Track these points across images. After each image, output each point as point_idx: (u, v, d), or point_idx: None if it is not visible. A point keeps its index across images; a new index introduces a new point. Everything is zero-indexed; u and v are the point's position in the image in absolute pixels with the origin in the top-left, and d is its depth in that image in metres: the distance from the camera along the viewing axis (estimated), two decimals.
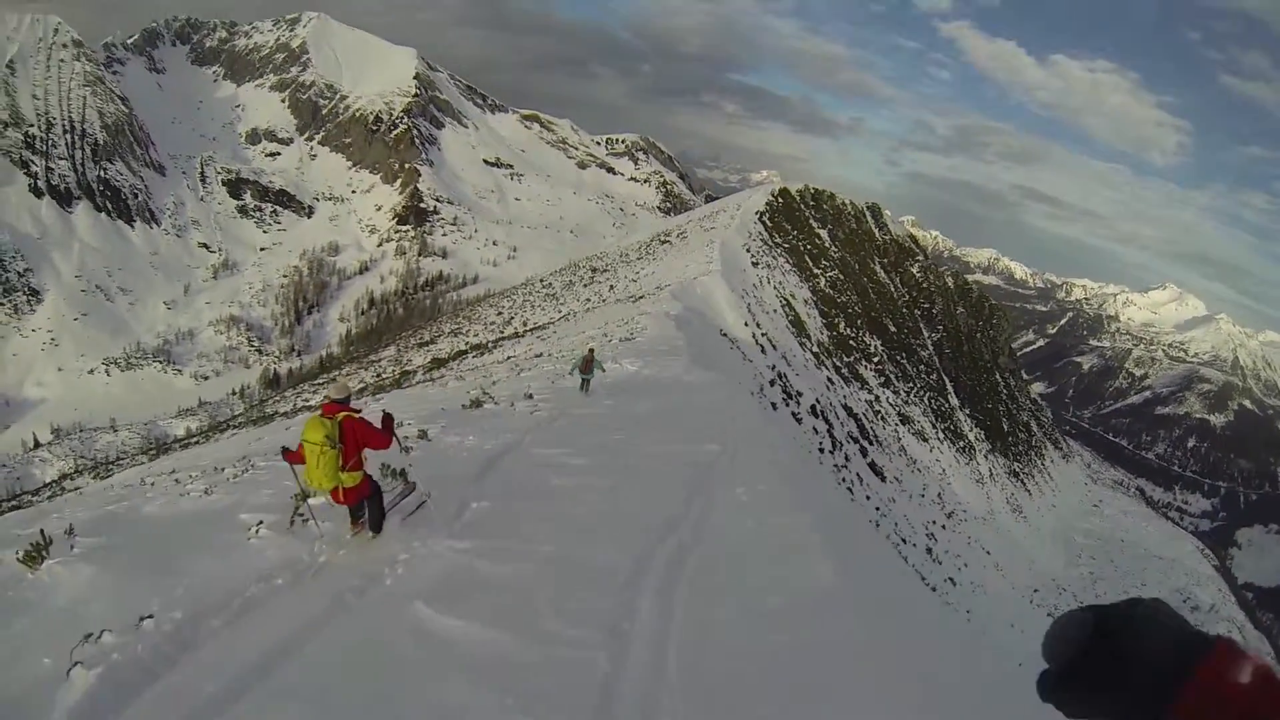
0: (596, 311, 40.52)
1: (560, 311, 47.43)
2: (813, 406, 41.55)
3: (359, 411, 6.55)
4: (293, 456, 6.64)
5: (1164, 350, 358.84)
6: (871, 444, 52.77)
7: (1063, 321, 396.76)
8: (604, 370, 18.55)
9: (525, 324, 46.73)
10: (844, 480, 39.36)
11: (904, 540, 44.25)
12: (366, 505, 6.82)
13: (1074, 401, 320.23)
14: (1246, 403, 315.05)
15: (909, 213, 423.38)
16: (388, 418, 6.93)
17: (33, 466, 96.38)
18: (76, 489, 29.16)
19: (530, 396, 15.88)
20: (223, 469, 12.09)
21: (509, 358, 30.07)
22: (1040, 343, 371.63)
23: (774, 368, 39.29)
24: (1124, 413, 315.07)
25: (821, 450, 38.95)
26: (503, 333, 45.82)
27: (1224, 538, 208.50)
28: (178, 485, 10.84)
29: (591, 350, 17.87)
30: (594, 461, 9.98)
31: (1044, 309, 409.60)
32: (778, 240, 61.33)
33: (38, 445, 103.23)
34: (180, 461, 21.94)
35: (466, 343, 45.65)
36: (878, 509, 44.21)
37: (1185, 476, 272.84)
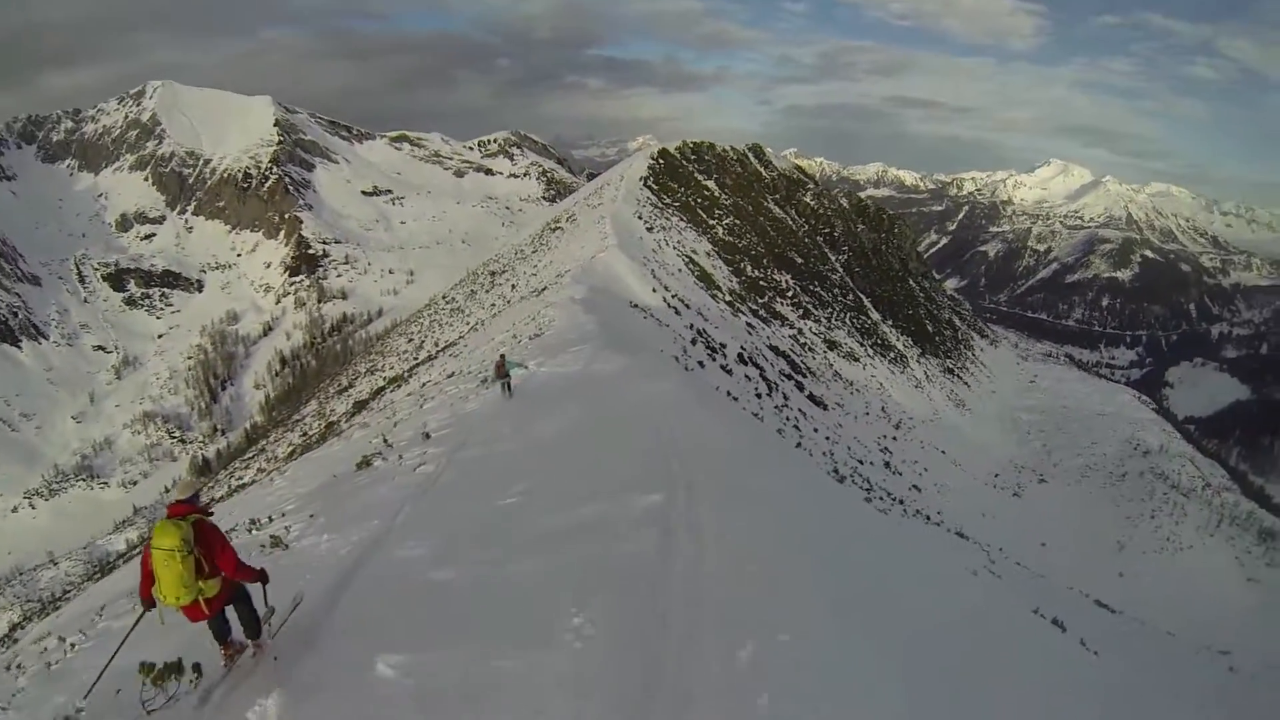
0: (503, 314, 39.94)
1: (468, 323, 46.60)
2: (739, 354, 41.94)
3: (210, 513, 5.91)
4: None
5: (1061, 222, 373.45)
6: (805, 377, 53.69)
7: (960, 216, 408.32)
8: (526, 368, 19.96)
9: (436, 345, 45.78)
10: (788, 420, 39.86)
11: (861, 461, 45.19)
12: (235, 612, 6.03)
13: (988, 289, 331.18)
14: (1147, 253, 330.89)
15: (791, 145, 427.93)
16: (255, 574, 6.08)
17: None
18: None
19: (427, 436, 14.59)
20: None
21: (423, 384, 29.29)
22: (944, 241, 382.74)
23: (692, 326, 39.47)
24: (1037, 288, 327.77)
25: (758, 395, 39.37)
26: (416, 359, 44.81)
27: (1156, 382, 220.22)
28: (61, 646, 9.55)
29: (502, 356, 18.88)
30: (468, 573, 7.19)
31: (940, 208, 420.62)
32: (667, 201, 61.43)
33: None
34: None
35: (383, 378, 44.51)
36: (828, 438, 45.00)
37: (1107, 334, 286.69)
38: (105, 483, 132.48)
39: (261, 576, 6.08)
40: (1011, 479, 68.19)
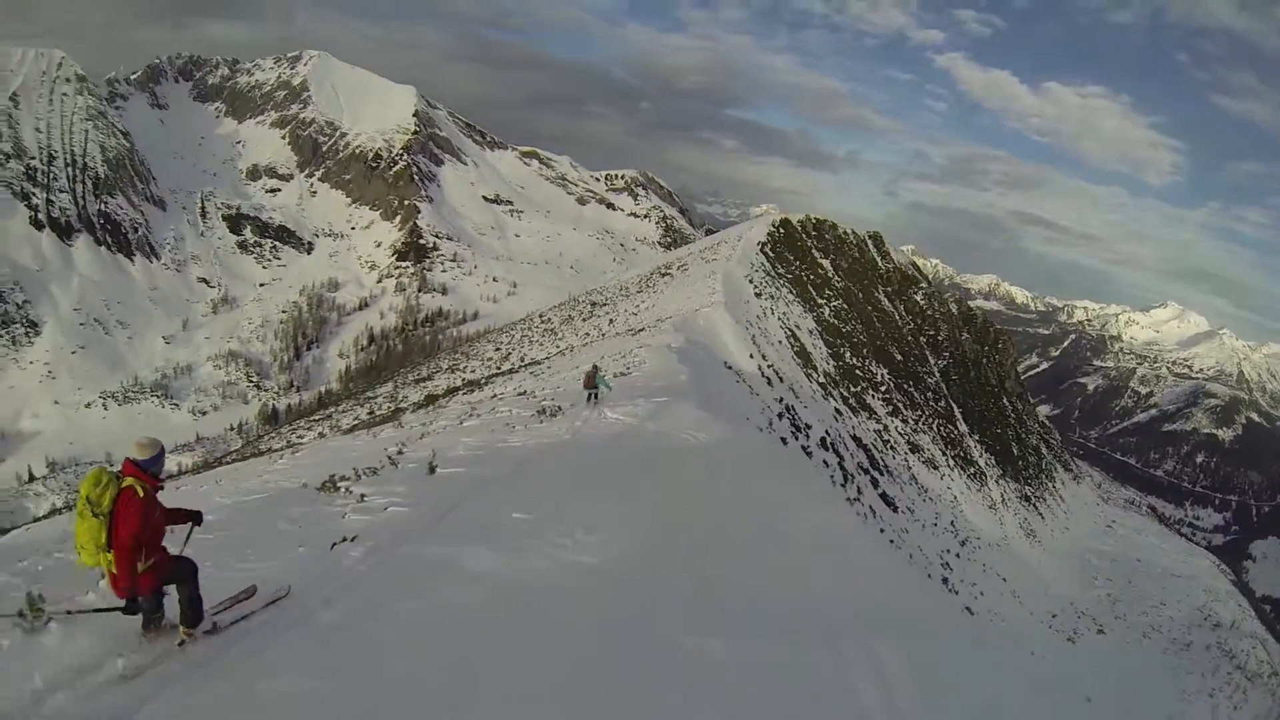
0: (594, 345, 39.37)
1: (557, 347, 46.26)
2: (822, 439, 40.25)
3: (161, 484, 5.18)
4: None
5: (1168, 367, 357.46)
6: (882, 474, 51.35)
7: (1065, 344, 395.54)
8: (609, 388, 20.50)
9: (522, 359, 45.55)
10: (860, 513, 38.01)
11: (925, 576, 42.74)
12: (164, 597, 5.28)
13: (1080, 422, 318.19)
14: (1253, 415, 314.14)
15: (909, 242, 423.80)
16: (186, 516, 5.56)
17: (26, 500, 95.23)
18: None
19: (433, 470, 11.20)
20: None
21: (491, 395, 28.69)
22: (1044, 365, 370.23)
23: (781, 400, 38.04)
24: (1131, 431, 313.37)
25: (834, 483, 37.62)
26: (499, 368, 44.66)
27: (1238, 552, 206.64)
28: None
29: (595, 367, 20.40)
30: None
31: (1046, 332, 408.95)
32: (780, 271, 60.34)
33: (32, 479, 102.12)
34: None
35: (462, 379, 44.46)
36: (891, 541, 42.79)
37: (1195, 492, 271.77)
38: (177, 404, 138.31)
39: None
40: (1070, 623, 63.76)
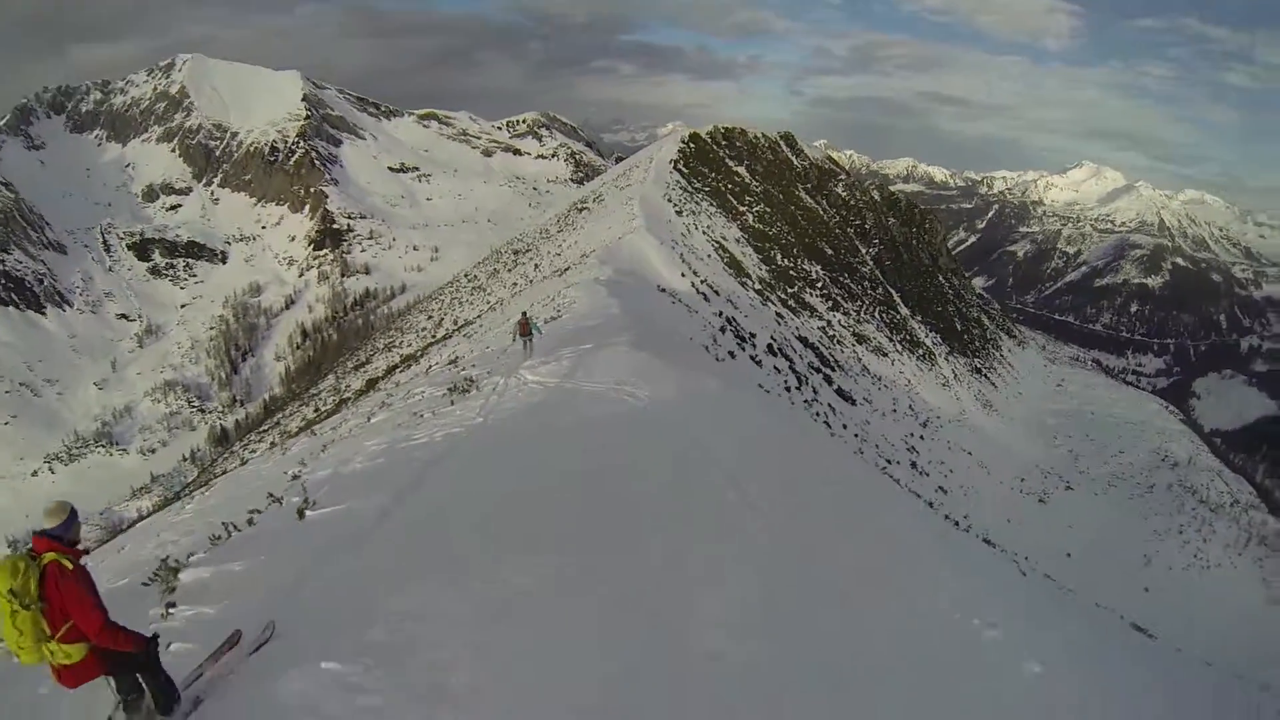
0: (523, 293, 38.65)
1: (488, 303, 45.38)
2: (769, 345, 40.49)
3: (83, 552, 4.50)
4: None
5: (1091, 225, 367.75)
6: (834, 370, 52.12)
7: (990, 215, 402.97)
8: (540, 332, 20.47)
9: (455, 323, 44.65)
10: (819, 415, 38.42)
11: (889, 461, 43.70)
12: (122, 682, 4.61)
13: (1015, 289, 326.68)
14: (1179, 260, 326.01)
15: (821, 137, 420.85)
16: (132, 641, 4.48)
17: None
18: None
19: (303, 515, 8.91)
20: None
21: (427, 370, 27.76)
22: (972, 239, 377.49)
23: (720, 314, 38.06)
24: (1065, 291, 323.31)
25: (788, 388, 37.96)
26: (434, 336, 43.73)
27: (1183, 392, 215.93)
28: None
29: (524, 314, 20.08)
30: None
31: (969, 206, 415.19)
32: (697, 185, 59.86)
33: None
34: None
35: (399, 355, 43.49)
36: (856, 435, 43.54)
37: (1134, 340, 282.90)
38: (124, 450, 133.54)
39: (141, 644, 4.52)
40: (1037, 484, 66.55)
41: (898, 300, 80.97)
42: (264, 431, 64.55)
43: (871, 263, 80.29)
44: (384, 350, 57.55)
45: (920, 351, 76.88)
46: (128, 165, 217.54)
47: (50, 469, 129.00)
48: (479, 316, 39.87)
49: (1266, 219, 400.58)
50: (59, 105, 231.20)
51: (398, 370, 34.80)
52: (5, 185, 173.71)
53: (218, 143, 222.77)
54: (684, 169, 61.22)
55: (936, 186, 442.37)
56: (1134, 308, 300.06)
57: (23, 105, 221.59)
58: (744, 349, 36.40)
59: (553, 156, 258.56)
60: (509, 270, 55.79)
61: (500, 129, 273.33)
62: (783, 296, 53.82)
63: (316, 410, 43.00)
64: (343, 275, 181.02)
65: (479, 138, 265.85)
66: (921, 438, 60.04)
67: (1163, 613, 40.80)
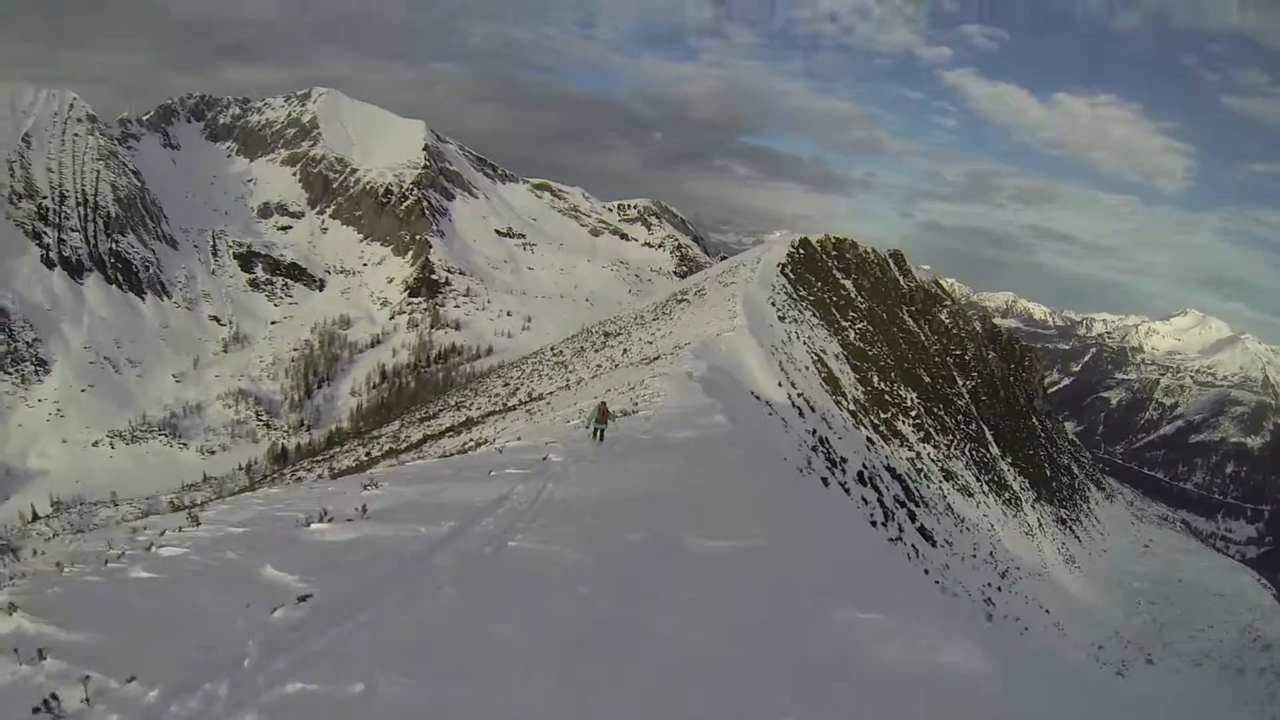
0: (604, 376, 36.50)
1: (565, 380, 43.51)
2: (859, 473, 37.33)
3: None
4: None
5: (1192, 376, 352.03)
6: (919, 506, 48.32)
7: (1086, 358, 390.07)
8: (615, 422, 18.96)
9: (528, 395, 42.92)
10: (907, 556, 34.90)
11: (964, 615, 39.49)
12: None
13: (1105, 438, 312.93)
14: None
15: (925, 262, 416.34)
16: None
17: (28, 540, 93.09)
18: None
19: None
20: None
21: (475, 442, 25.34)
22: (1066, 381, 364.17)
23: (814, 432, 35.25)
24: (1157, 444, 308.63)
25: (874, 523, 34.64)
26: (506, 404, 42.05)
27: (1274, 563, 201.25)
28: None
29: (603, 404, 18.59)
30: None
31: (1066, 347, 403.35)
32: (802, 293, 57.73)
33: (36, 518, 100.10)
34: None
35: (466, 416, 41.87)
36: (937, 582, 39.71)
37: (1227, 504, 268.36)
38: (185, 444, 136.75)
39: None
40: (1116, 654, 60.57)
41: (989, 438, 76.47)
42: (318, 461, 63.89)
43: (967, 395, 76.29)
44: (453, 408, 56.31)
45: (1007, 495, 72.12)
46: (250, 180, 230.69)
47: (111, 444, 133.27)
48: (550, 394, 37.94)
49: None
50: (199, 113, 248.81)
51: (447, 435, 32.99)
52: (135, 174, 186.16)
53: (337, 175, 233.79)
54: (790, 274, 59.26)
55: (1034, 324, 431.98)
56: (1229, 468, 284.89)
57: (166, 105, 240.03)
58: (833, 474, 33.45)
59: (659, 246, 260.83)
60: (596, 350, 54.18)
61: (611, 210, 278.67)
62: (875, 421, 50.62)
63: (369, 455, 41.54)
64: (432, 326, 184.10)
65: (589, 216, 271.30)
66: (999, 589, 55.24)
67: None
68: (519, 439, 21.39)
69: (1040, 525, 76.62)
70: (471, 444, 25.91)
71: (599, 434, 18.01)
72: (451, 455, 21.46)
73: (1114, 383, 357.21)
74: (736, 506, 13.34)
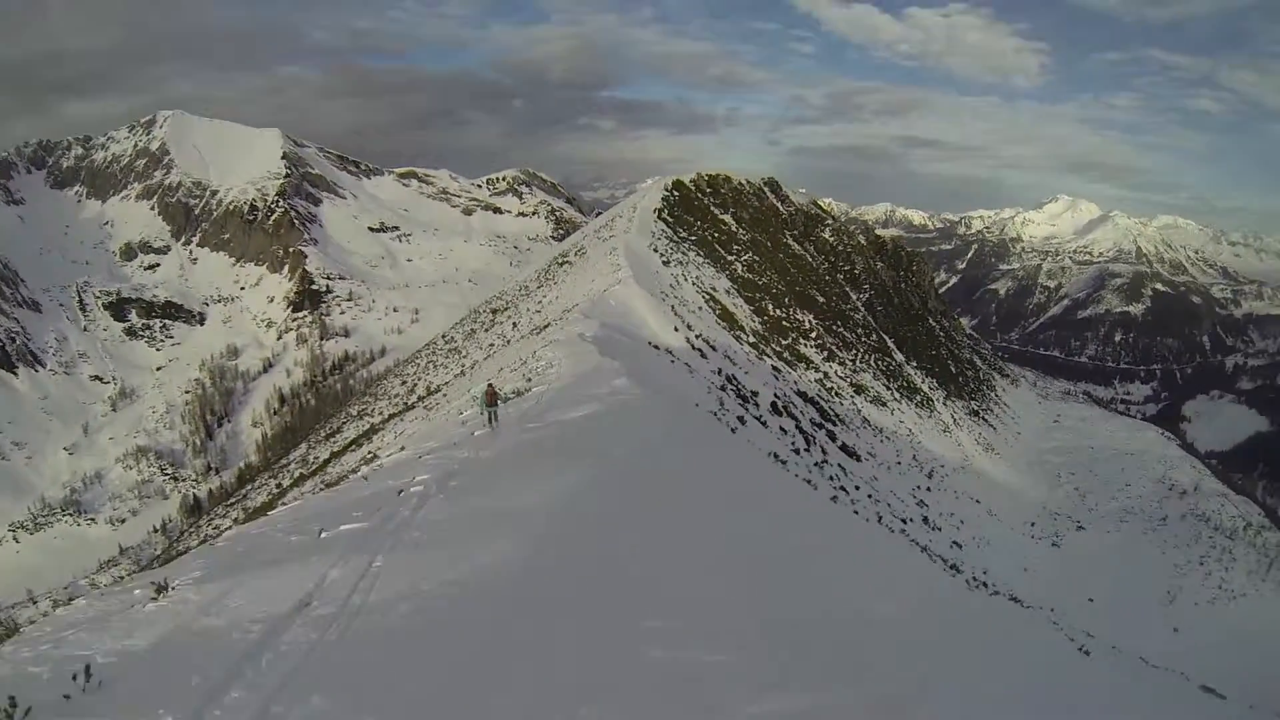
0: (498, 354, 35.48)
1: (461, 366, 42.25)
2: (773, 403, 37.63)
3: None
4: None
5: (1070, 257, 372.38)
6: (836, 425, 49.34)
7: (970, 255, 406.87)
8: (504, 400, 19.21)
9: (427, 389, 41.55)
10: (832, 478, 35.38)
11: (905, 520, 40.71)
12: None
13: (999, 327, 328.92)
14: (1158, 286, 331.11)
15: (800, 185, 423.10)
16: None
17: None
18: None
19: None
20: None
21: (366, 461, 23.58)
22: (954, 280, 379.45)
23: (720, 371, 35.30)
24: (1049, 325, 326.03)
25: (796, 450, 35.02)
26: (407, 403, 40.64)
27: (1173, 416, 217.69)
28: None
29: (490, 385, 18.48)
30: None
31: (949, 247, 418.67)
32: (683, 234, 57.58)
33: None
34: None
35: (357, 428, 40.30)
36: (869, 495, 40.69)
37: (1120, 369, 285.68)
38: (93, 519, 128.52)
39: None
40: (1048, 527, 64.47)
41: (892, 346, 78.86)
42: (232, 504, 60.96)
43: (863, 309, 78.28)
44: (356, 418, 54.26)
45: (918, 398, 74.69)
46: (106, 223, 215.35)
47: (15, 538, 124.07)
48: (445, 384, 36.71)
49: (1240, 238, 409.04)
50: (39, 160, 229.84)
51: (349, 450, 31.64)
52: None
53: (197, 200, 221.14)
54: (668, 218, 58.98)
55: (915, 229, 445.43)
56: (1118, 337, 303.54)
57: (2, 159, 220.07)
58: (746, 408, 33.59)
59: (533, 214, 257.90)
60: (486, 330, 52.82)
61: (480, 187, 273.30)
62: (777, 349, 51.22)
63: (279, 486, 39.65)
64: (321, 338, 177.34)
65: (459, 196, 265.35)
66: (929, 489, 57.45)
67: (1198, 653, 38.55)
68: (401, 449, 20.05)
69: (955, 421, 79.77)
70: (366, 459, 24.57)
71: (492, 417, 17.84)
72: (335, 484, 20.06)
73: (999, 274, 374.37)
74: (684, 550, 10.13)
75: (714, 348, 38.39)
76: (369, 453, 26.46)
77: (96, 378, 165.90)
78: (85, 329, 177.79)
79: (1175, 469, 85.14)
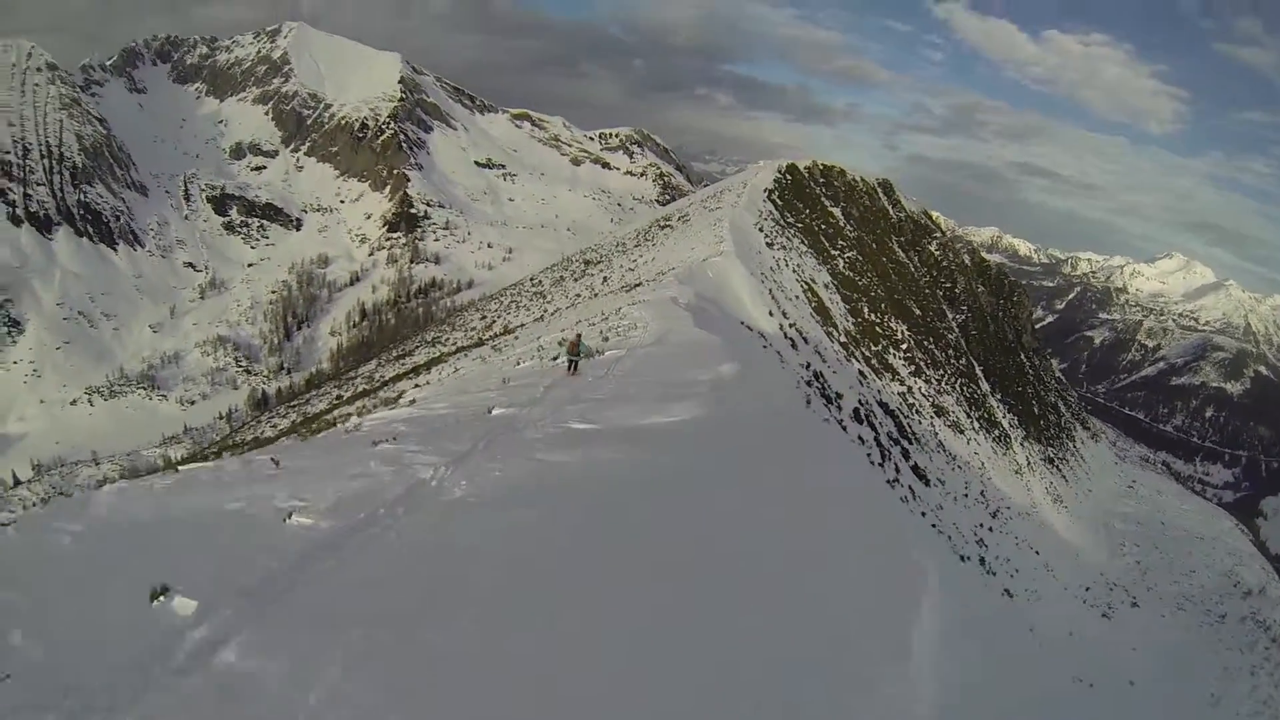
0: (582, 305, 34.19)
1: (544, 310, 41.24)
2: (855, 410, 35.58)
3: None
4: None
5: (1175, 320, 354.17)
6: (911, 443, 46.92)
7: (1070, 296, 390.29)
8: (592, 355, 17.90)
9: (504, 328, 40.74)
10: (902, 500, 33.34)
11: (963, 558, 38.46)
12: None
13: (1087, 377, 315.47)
14: (1261, 369, 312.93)
15: (911, 194, 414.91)
16: None
17: (12, 506, 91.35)
18: None
19: None
20: None
21: (399, 397, 22.02)
22: (1049, 319, 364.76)
23: (809, 366, 33.43)
24: (1139, 385, 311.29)
25: (872, 463, 33.03)
26: (482, 338, 39.92)
27: (1249, 508, 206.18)
28: None
29: (579, 335, 17.64)
30: None
31: (1050, 284, 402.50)
32: (789, 219, 55.32)
33: (17, 483, 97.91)
34: None
35: (428, 355, 39.69)
36: (933, 525, 38.56)
37: (1205, 447, 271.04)
38: (164, 395, 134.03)
39: None
40: (1103, 596, 60.58)
41: (979, 374, 75.23)
42: (295, 405, 61.83)
43: (957, 329, 74.79)
44: (429, 345, 54.08)
45: (996, 433, 71.18)
46: (221, 121, 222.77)
47: (90, 401, 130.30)
48: (520, 326, 35.67)
49: None
50: (165, 54, 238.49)
51: (407, 377, 30.92)
52: (100, 121, 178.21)
53: (310, 111, 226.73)
54: (778, 200, 56.73)
55: (1019, 260, 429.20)
56: (1209, 412, 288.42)
57: (130, 49, 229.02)
58: (830, 411, 31.73)
59: (641, 175, 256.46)
60: (575, 279, 51.75)
61: (593, 139, 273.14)
62: (866, 354, 48.91)
63: (338, 398, 39.51)
64: (412, 261, 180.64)
65: (570, 145, 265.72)
66: (990, 529, 54.50)
67: None
68: (414, 404, 16.80)
69: (1029, 464, 76.17)
70: (408, 391, 23.35)
71: (573, 366, 17.22)
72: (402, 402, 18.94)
73: (1098, 322, 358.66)
74: None
75: (806, 340, 36.49)
76: (413, 385, 25.25)
77: (190, 265, 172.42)
78: (186, 217, 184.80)
79: (1244, 565, 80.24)
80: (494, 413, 12.35)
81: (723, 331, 22.92)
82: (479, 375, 20.95)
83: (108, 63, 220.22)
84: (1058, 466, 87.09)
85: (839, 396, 34.55)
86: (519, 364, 20.29)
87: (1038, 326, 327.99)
